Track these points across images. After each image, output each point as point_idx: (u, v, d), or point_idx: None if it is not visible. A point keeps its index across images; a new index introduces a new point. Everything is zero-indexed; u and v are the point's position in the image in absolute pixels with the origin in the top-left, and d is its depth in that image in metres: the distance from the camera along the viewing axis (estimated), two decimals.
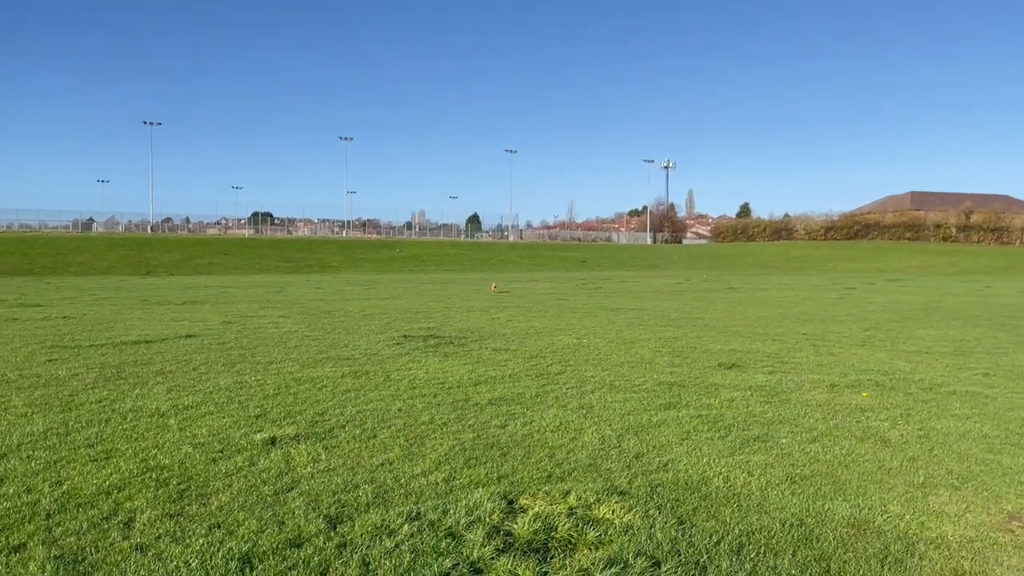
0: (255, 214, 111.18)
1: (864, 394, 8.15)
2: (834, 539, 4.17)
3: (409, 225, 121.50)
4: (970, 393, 8.31)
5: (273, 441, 5.90)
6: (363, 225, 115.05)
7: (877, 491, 4.99)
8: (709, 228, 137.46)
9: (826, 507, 4.65)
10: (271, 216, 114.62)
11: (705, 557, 3.89)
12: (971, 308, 21.75)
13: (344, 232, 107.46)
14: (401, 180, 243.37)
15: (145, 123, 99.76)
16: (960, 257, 71.35)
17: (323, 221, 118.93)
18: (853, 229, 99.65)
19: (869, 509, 4.64)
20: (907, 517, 4.52)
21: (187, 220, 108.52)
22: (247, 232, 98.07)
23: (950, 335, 14.29)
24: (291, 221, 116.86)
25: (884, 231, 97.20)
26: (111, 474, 5.05)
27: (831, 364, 10.31)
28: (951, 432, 6.56)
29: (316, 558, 3.79)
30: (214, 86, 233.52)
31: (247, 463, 5.35)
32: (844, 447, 6.03)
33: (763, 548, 4.03)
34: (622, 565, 3.76)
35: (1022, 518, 4.57)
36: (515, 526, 4.19)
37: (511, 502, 4.62)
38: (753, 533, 4.22)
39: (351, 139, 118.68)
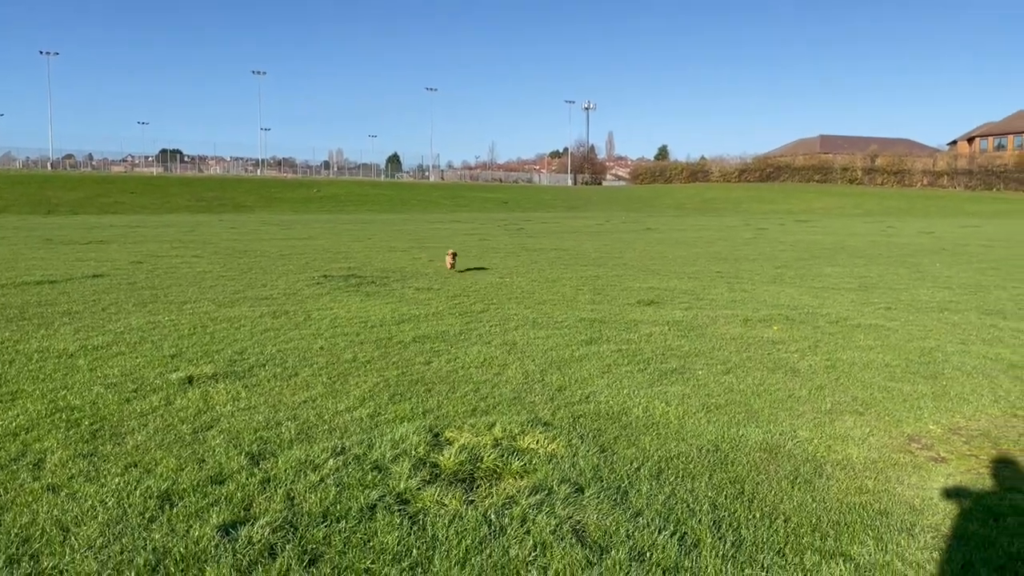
0: (163, 151, 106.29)
1: (775, 328, 8.46)
2: (748, 463, 4.35)
3: (327, 164, 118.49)
4: (873, 326, 8.72)
5: (190, 380, 5.75)
6: (278, 164, 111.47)
7: (787, 418, 5.22)
8: (628, 170, 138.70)
9: (740, 433, 4.84)
10: (181, 153, 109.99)
11: (626, 482, 4.01)
12: (875, 247, 22.72)
13: (258, 171, 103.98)
14: (318, 118, 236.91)
15: (41, 52, 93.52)
16: (865, 199, 74.20)
17: (236, 159, 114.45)
18: (766, 171, 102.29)
19: (780, 434, 4.85)
20: (815, 441, 4.75)
21: (90, 157, 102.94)
22: (155, 170, 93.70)
23: (855, 272, 14.92)
24: (202, 159, 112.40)
25: (795, 173, 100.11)
26: (18, 415, 4.84)
27: (744, 300, 10.65)
28: (855, 362, 6.89)
29: (239, 494, 3.73)
30: (115, 14, 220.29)
31: (163, 403, 5.21)
32: (756, 377, 6.26)
33: (681, 472, 4.17)
34: (547, 492, 3.83)
35: (920, 440, 4.86)
36: (441, 458, 4.22)
37: (437, 435, 4.64)
38: (672, 459, 4.37)
39: (264, 73, 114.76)
